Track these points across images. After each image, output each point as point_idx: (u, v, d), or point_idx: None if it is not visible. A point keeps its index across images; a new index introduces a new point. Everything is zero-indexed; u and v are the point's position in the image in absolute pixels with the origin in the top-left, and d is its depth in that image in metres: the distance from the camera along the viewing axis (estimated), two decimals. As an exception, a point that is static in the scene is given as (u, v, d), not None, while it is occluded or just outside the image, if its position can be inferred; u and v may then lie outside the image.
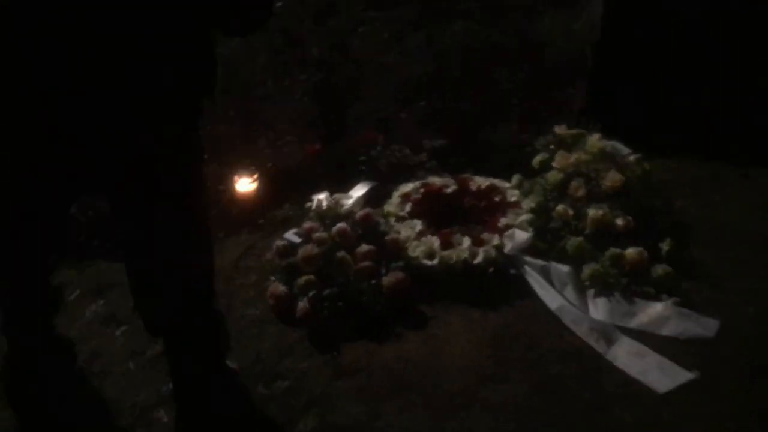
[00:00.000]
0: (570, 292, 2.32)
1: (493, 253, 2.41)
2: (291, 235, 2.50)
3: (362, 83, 3.30)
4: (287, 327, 2.31)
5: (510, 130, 3.09)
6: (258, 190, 2.93)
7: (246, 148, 3.09)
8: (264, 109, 3.15)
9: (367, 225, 2.47)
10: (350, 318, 2.27)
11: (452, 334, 2.27)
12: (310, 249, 2.35)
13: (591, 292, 2.32)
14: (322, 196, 2.66)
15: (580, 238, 2.42)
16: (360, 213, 2.48)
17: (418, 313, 2.34)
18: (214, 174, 3.05)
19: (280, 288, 2.34)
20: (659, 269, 2.32)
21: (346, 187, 2.80)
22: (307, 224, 2.48)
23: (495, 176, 2.82)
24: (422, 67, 3.31)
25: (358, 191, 2.71)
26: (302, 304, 2.27)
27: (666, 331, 2.19)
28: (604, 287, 2.31)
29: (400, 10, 3.32)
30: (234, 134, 3.13)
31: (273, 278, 2.40)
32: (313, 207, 2.59)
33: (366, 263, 2.35)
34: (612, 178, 2.50)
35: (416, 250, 2.43)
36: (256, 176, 2.94)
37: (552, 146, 2.75)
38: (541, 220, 2.54)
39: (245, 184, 2.94)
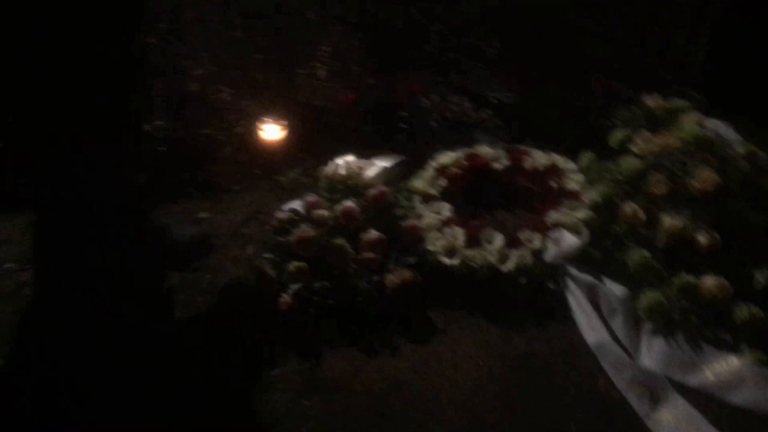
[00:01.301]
0: (619, 323, 1.81)
1: (528, 259, 1.92)
2: (297, 205, 2.11)
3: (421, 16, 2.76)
4: (267, 320, 1.97)
5: (597, 89, 2.48)
6: (284, 139, 2.54)
7: (279, 85, 2.69)
8: (302, 41, 2.71)
9: (380, 206, 2.03)
10: (339, 320, 1.89)
11: (460, 356, 1.84)
12: (306, 230, 1.96)
13: (647, 327, 1.80)
14: (343, 160, 2.23)
15: (647, 253, 1.87)
16: (373, 191, 2.04)
17: (424, 323, 1.92)
18: (240, 114, 2.72)
19: (269, 271, 1.99)
20: (744, 310, 1.75)
21: (380, 150, 2.35)
22: (310, 196, 2.07)
23: (564, 150, 2.27)
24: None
25: (384, 162, 2.25)
26: (285, 297, 1.91)
27: (738, 398, 1.65)
28: (665, 324, 1.78)
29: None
30: (269, 67, 2.73)
31: (266, 256, 2.05)
32: (327, 172, 2.17)
33: (369, 255, 1.94)
34: (704, 178, 1.89)
35: (436, 243, 1.98)
36: (283, 124, 2.55)
37: (638, 121, 2.16)
38: (602, 219, 2.00)
39: (272, 131, 2.56)
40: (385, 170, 2.21)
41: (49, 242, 2.00)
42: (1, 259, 2.13)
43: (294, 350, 1.87)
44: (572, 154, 2.26)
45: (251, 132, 2.61)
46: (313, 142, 2.45)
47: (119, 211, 1.97)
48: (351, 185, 2.13)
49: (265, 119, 2.57)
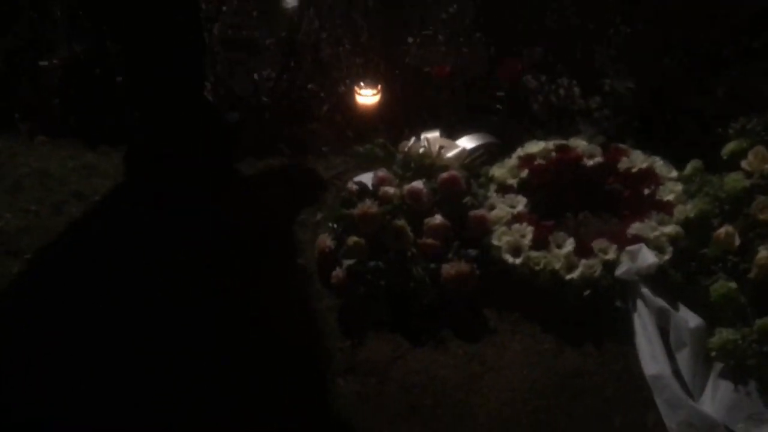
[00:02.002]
0: (685, 357, 1.63)
1: (596, 270, 1.76)
2: (367, 178, 2.06)
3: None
4: (324, 290, 1.96)
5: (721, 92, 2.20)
6: (379, 105, 2.48)
7: (384, 49, 2.62)
8: (417, 5, 2.60)
9: (451, 191, 1.94)
10: (389, 304, 1.84)
11: (505, 361, 1.74)
12: (369, 206, 1.91)
13: (716, 368, 1.61)
14: (426, 136, 2.14)
15: (734, 285, 1.66)
16: (445, 174, 1.94)
17: (476, 321, 1.83)
18: (343, 73, 2.67)
19: (328, 242, 1.96)
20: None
21: (469, 129, 2.24)
22: (381, 171, 2.01)
23: (671, 154, 2.06)
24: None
25: (469, 142, 2.13)
26: (339, 271, 1.88)
27: (804, 467, 1.46)
28: (737, 368, 1.58)
29: None
30: (378, 29, 2.65)
31: (330, 226, 2.03)
32: (405, 148, 2.10)
33: (430, 240, 1.86)
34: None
35: (502, 238, 1.87)
36: (380, 89, 2.48)
37: (758, 134, 1.90)
38: (692, 239, 1.80)
39: (368, 95, 2.51)
40: (466, 152, 2.10)
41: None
42: (91, 192, 2.26)
43: (339, 326, 1.86)
44: (680, 161, 2.05)
45: (350, 93, 2.57)
46: (405, 111, 2.38)
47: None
48: (427, 164, 2.05)
49: (364, 82, 2.52)
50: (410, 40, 2.65)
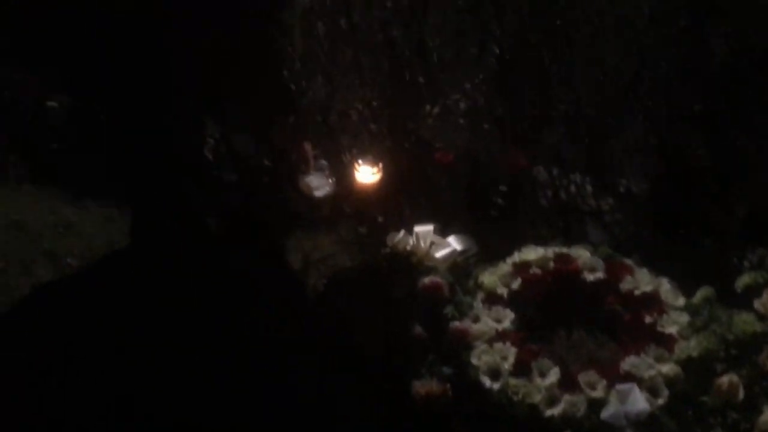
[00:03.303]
0: None
1: (580, 409, 1.58)
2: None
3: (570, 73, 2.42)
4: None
5: (739, 210, 2.03)
6: (376, 186, 2.35)
7: (392, 125, 2.49)
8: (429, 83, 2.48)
9: (430, 299, 1.79)
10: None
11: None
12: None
13: None
14: (419, 229, 2.00)
15: (733, 446, 1.48)
16: (427, 280, 1.79)
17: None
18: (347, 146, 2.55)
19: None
20: None
21: (467, 225, 2.09)
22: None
23: (681, 276, 1.88)
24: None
25: (461, 243, 1.98)
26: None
27: None
28: None
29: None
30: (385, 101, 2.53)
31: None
32: (393, 240, 1.96)
33: (402, 351, 1.72)
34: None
35: (481, 357, 1.70)
36: (380, 167, 2.35)
37: (774, 268, 1.73)
38: (692, 382, 1.61)
39: (366, 173, 2.38)
40: (456, 253, 1.95)
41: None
42: (65, 252, 2.16)
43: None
44: (691, 285, 1.87)
45: (350, 168, 2.45)
46: (402, 197, 2.24)
47: None
48: (414, 262, 1.90)
49: (364, 160, 2.40)
50: (428, 108, 2.54)
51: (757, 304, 1.65)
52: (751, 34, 2.33)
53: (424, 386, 1.66)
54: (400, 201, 2.26)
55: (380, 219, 2.27)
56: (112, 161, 2.51)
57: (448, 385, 1.67)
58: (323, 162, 2.51)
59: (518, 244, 2.00)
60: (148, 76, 2.16)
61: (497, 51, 2.44)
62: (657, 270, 1.90)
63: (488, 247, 2.03)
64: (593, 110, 2.38)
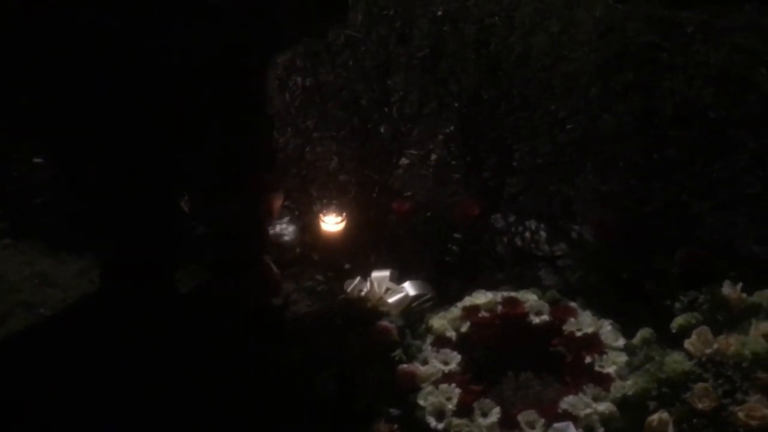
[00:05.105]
0: None
1: (518, 448, 1.66)
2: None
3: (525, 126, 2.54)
4: None
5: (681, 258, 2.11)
6: (339, 235, 2.45)
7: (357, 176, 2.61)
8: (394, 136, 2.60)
9: (380, 342, 1.87)
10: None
11: None
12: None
13: None
14: (376, 275, 2.09)
15: (661, 483, 1.54)
16: (378, 324, 1.89)
17: (390, 487, 1.73)
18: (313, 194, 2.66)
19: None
20: None
21: (423, 272, 2.19)
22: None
23: (627, 317, 1.95)
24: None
25: (415, 288, 2.08)
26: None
27: None
28: None
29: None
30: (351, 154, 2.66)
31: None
32: (348, 287, 2.05)
33: (350, 394, 1.79)
34: (755, 411, 1.52)
35: (427, 398, 1.78)
36: (343, 216, 2.46)
37: (707, 311, 1.81)
38: (627, 420, 1.68)
39: (330, 223, 2.49)
40: (410, 298, 2.04)
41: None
42: (39, 303, 2.25)
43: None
44: (635, 326, 1.94)
45: (317, 217, 2.55)
46: (363, 245, 2.34)
47: None
48: (369, 308, 1.99)
49: (329, 208, 2.50)
50: (394, 159, 2.65)
51: (686, 344, 1.73)
52: (694, 86, 2.47)
53: (372, 429, 1.73)
54: (365, 249, 2.36)
55: (346, 266, 2.37)
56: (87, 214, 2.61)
57: (396, 426, 1.75)
58: (291, 210, 2.62)
59: (473, 289, 2.10)
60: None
61: (456, 105, 2.59)
62: (603, 312, 1.99)
63: (446, 293, 2.12)
64: (548, 160, 2.52)
